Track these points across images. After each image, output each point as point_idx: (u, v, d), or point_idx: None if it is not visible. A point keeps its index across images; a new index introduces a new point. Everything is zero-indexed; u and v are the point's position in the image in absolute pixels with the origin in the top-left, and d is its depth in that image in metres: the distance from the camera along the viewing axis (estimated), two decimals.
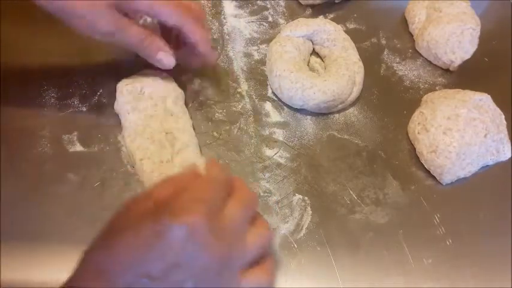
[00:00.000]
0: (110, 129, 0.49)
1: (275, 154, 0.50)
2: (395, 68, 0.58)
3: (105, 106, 0.51)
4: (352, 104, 0.54)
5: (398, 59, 0.58)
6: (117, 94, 0.49)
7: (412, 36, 0.60)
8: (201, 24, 0.47)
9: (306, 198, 0.47)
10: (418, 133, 0.50)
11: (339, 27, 0.56)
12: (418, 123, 0.51)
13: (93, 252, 0.32)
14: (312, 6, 0.62)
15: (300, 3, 0.62)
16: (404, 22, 0.62)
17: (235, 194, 0.35)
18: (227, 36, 0.58)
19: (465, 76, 0.57)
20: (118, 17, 0.43)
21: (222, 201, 0.34)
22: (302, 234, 0.45)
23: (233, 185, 0.36)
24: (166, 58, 0.47)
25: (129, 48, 0.46)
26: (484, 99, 0.51)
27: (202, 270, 0.31)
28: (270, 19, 0.61)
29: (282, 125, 0.52)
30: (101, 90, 0.52)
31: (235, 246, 0.33)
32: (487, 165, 0.50)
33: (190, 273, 0.31)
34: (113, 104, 0.49)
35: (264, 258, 0.36)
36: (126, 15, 0.44)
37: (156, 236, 0.30)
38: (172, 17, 0.45)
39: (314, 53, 0.57)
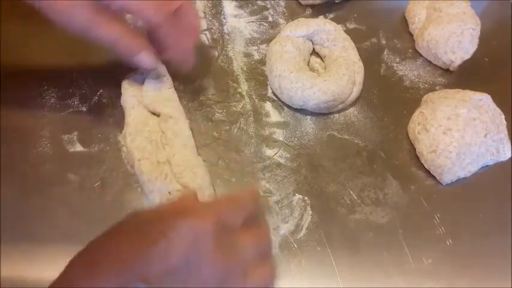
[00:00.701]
0: (110, 129, 0.49)
1: (275, 154, 0.50)
2: (395, 68, 0.58)
3: (105, 106, 0.51)
4: (352, 104, 0.54)
5: (398, 59, 0.58)
6: (122, 90, 0.49)
7: (412, 36, 0.60)
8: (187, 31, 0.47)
9: (306, 198, 0.47)
10: (418, 133, 0.50)
11: (339, 27, 0.56)
12: (418, 123, 0.51)
13: (89, 247, 0.29)
14: (312, 6, 0.62)
15: (300, 3, 0.62)
16: (404, 22, 0.62)
17: (253, 228, 0.34)
18: (227, 36, 0.58)
19: (465, 76, 0.57)
20: (94, 13, 0.41)
21: (236, 222, 0.33)
22: (302, 234, 0.45)
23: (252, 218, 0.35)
24: (146, 58, 0.45)
25: (109, 47, 0.44)
26: (484, 99, 0.51)
27: (199, 283, 0.29)
28: (270, 19, 0.61)
29: (282, 125, 0.52)
30: (101, 90, 0.52)
31: (235, 272, 0.31)
32: (487, 165, 0.50)
33: (187, 283, 0.29)
34: (113, 104, 0.49)
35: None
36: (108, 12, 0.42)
37: (159, 233, 0.28)
38: (148, 16, 0.43)
39: (314, 53, 0.57)
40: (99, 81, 0.52)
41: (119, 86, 0.50)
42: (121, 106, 0.50)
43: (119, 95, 0.50)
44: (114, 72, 0.52)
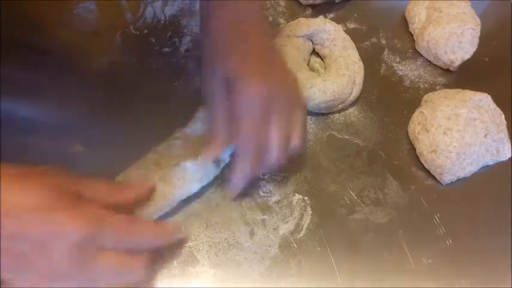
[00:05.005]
0: (110, 129, 0.49)
1: None
2: (395, 68, 0.58)
3: (105, 106, 0.51)
4: (352, 104, 0.54)
5: (398, 59, 0.58)
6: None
7: (412, 36, 0.60)
8: None
9: (306, 198, 0.47)
10: (418, 133, 0.50)
11: (339, 27, 0.56)
12: (418, 123, 0.51)
13: None
14: (312, 6, 0.62)
15: (300, 3, 0.62)
16: (404, 22, 0.62)
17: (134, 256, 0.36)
18: None
19: (465, 76, 0.57)
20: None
21: (113, 243, 0.34)
22: (302, 234, 0.45)
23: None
24: None
25: None
26: (484, 99, 0.51)
27: (42, 273, 0.33)
28: (270, 19, 0.60)
29: None
30: (101, 91, 0.52)
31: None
32: (487, 165, 0.50)
33: (32, 264, 0.32)
34: (112, 103, 0.49)
35: None
36: None
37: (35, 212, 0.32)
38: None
39: (314, 53, 0.57)
40: (99, 81, 0.52)
41: (119, 87, 0.50)
42: (120, 105, 0.49)
43: (118, 94, 0.50)
44: (115, 73, 0.52)
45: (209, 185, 0.46)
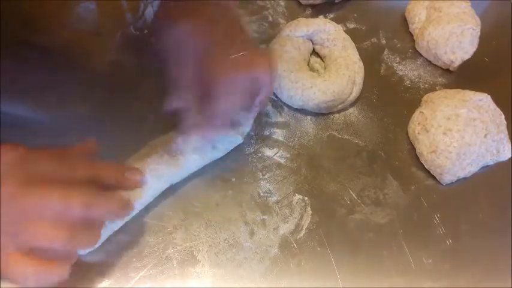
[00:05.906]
0: (110, 129, 0.49)
1: (275, 154, 0.50)
2: (395, 68, 0.58)
3: (104, 106, 0.51)
4: (352, 104, 0.54)
5: (398, 59, 0.58)
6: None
7: (412, 36, 0.60)
8: None
9: (306, 198, 0.47)
10: (418, 133, 0.50)
11: (339, 27, 0.56)
12: (418, 123, 0.51)
13: None
14: (312, 6, 0.62)
15: (300, 3, 0.62)
16: (404, 22, 0.62)
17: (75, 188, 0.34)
18: None
19: (465, 76, 0.57)
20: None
21: (49, 170, 0.35)
22: (302, 234, 0.45)
23: None
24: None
25: None
26: (484, 99, 0.51)
27: None
28: (270, 19, 0.60)
29: (282, 125, 0.52)
30: (101, 91, 0.52)
31: None
32: (487, 165, 0.50)
33: None
34: (112, 103, 0.49)
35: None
36: None
37: None
38: None
39: (314, 53, 0.57)
40: (98, 81, 0.52)
41: (119, 87, 0.50)
42: (120, 105, 0.49)
43: (118, 94, 0.50)
44: (114, 72, 0.52)
45: (209, 185, 0.47)
